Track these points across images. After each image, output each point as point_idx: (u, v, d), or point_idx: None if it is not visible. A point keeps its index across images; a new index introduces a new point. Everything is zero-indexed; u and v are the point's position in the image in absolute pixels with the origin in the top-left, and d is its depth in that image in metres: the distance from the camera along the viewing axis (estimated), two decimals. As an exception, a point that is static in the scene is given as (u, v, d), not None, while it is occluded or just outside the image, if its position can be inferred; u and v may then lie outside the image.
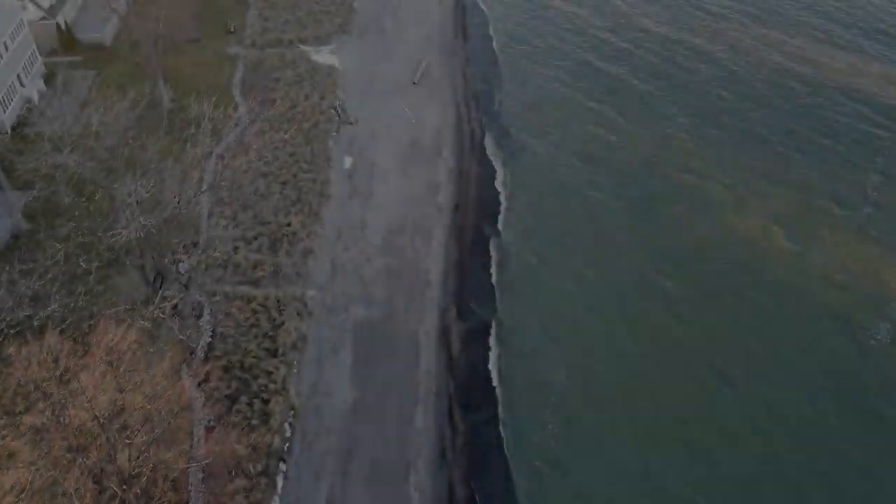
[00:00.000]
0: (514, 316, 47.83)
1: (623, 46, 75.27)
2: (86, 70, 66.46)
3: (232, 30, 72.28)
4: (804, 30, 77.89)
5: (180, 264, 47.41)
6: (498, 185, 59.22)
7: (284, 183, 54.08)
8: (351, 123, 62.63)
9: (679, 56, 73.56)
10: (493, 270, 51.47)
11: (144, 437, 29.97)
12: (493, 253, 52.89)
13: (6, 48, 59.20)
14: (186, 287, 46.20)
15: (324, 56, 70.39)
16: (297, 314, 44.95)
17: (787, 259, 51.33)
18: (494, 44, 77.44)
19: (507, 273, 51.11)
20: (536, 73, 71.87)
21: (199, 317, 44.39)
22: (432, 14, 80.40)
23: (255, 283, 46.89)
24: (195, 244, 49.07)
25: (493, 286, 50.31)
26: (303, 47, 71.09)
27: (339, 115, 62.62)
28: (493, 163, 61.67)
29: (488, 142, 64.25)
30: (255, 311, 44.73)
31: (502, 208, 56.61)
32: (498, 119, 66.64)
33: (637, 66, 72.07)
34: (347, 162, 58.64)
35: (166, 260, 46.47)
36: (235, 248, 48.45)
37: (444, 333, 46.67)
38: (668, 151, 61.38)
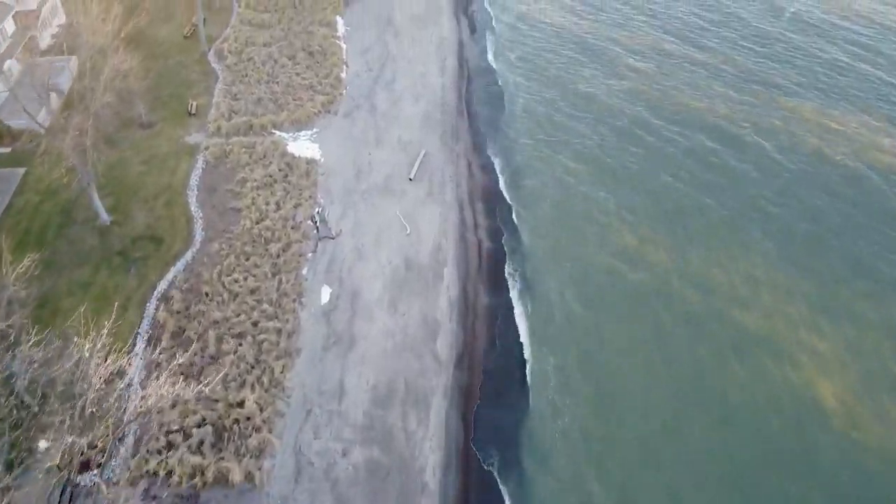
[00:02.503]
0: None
1: (656, 131, 63.71)
2: (13, 168, 55.03)
3: (193, 111, 60.84)
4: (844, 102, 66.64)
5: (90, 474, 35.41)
6: (518, 319, 47.50)
7: (240, 336, 42.19)
8: (332, 238, 50.95)
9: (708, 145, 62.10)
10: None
11: None
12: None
13: None
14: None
15: (302, 145, 58.81)
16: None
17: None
18: (508, 121, 66.00)
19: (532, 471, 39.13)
20: (557, 165, 60.22)
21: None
22: (433, 84, 69.05)
23: (192, 499, 34.90)
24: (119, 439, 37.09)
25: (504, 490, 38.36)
26: (278, 134, 59.56)
27: (317, 229, 50.94)
28: (509, 287, 49.95)
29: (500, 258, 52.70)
30: (186, 551, 32.80)
31: (528, 357, 44.77)
32: (510, 227, 54.96)
33: (674, 161, 60.61)
34: (325, 294, 46.82)
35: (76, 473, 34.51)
36: (169, 446, 36.45)
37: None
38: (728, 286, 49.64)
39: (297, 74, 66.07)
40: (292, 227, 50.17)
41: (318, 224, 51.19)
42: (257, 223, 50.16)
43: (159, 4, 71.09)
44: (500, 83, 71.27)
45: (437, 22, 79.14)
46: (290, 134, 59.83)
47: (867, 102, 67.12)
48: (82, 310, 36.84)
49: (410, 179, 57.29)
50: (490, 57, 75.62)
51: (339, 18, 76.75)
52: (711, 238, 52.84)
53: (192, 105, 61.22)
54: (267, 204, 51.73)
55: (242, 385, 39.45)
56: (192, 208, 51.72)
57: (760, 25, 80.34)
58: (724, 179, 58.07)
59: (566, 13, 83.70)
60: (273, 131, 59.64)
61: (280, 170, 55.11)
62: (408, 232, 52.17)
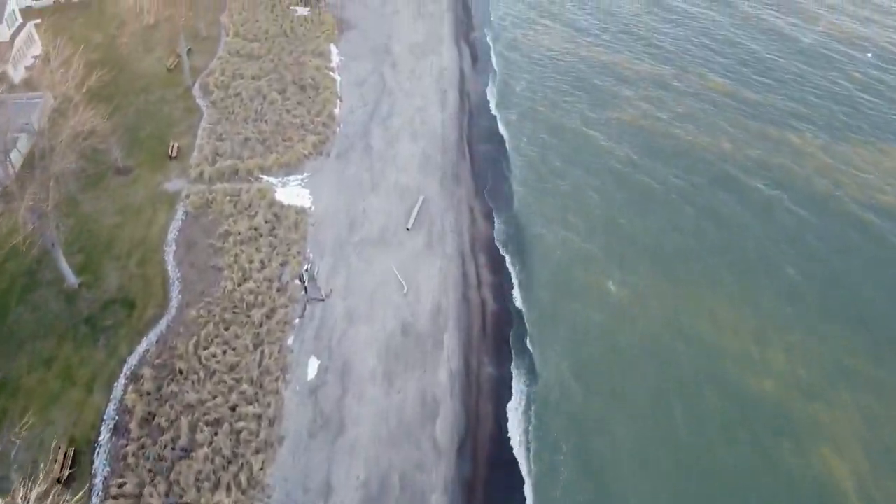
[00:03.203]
0: None
1: (664, 180, 59.31)
2: (-24, 220, 50.57)
3: (174, 154, 56.52)
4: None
5: None
6: (516, 395, 43.09)
7: (216, 423, 37.73)
8: (321, 300, 46.55)
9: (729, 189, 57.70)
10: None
11: None
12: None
13: None
14: None
15: (292, 191, 54.48)
16: None
17: None
18: (510, 163, 61.65)
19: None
20: (558, 212, 55.83)
21: None
22: (432, 120, 64.76)
23: None
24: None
25: None
26: (265, 179, 55.23)
27: (305, 290, 46.51)
28: (512, 357, 45.53)
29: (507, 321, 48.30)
30: None
31: (527, 452, 40.21)
32: (521, 282, 50.55)
33: (681, 210, 56.20)
34: (312, 368, 42.39)
35: None
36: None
37: None
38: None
39: (288, 111, 61.77)
40: (278, 290, 45.77)
41: (306, 284, 46.73)
42: (239, 285, 45.76)
43: (142, 33, 66.58)
44: (501, 119, 66.88)
45: (436, 51, 74.95)
46: (279, 179, 55.52)
47: (886, 141, 62.67)
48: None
49: (408, 229, 52.97)
50: (491, 90, 71.30)
51: (333, 47, 72.60)
52: (718, 293, 48.51)
53: (172, 147, 56.91)
54: (251, 262, 47.35)
55: (217, 485, 34.96)
56: (169, 267, 47.36)
57: (772, 57, 75.95)
58: (731, 227, 53.72)
59: (568, 42, 79.41)
60: (261, 176, 55.33)
61: (266, 221, 50.75)
62: (405, 291, 47.79)
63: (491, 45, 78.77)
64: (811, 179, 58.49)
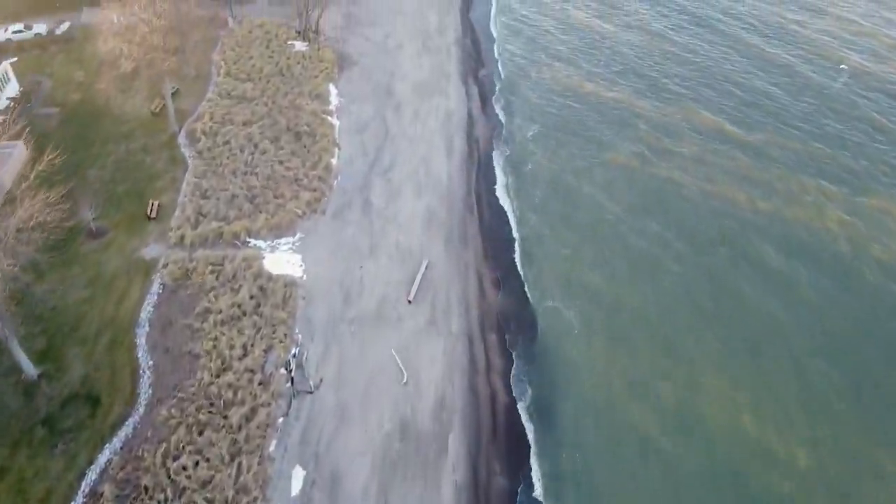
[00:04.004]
0: None
1: (672, 244, 54.08)
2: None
3: (153, 214, 51.45)
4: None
5: None
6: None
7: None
8: (310, 392, 41.31)
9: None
10: None
11: None
12: None
13: None
14: None
15: (281, 258, 49.32)
16: None
17: None
18: (522, 219, 56.43)
19: None
20: (579, 285, 50.55)
21: None
22: (438, 171, 59.65)
23: None
24: None
25: None
26: (253, 243, 50.10)
27: (291, 380, 41.23)
28: (531, 466, 40.16)
29: (521, 411, 42.98)
30: None
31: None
32: (528, 369, 45.25)
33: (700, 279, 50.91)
34: (296, 480, 37.12)
35: None
36: None
37: None
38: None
39: (281, 163, 56.65)
40: (260, 383, 40.53)
41: (292, 373, 41.45)
42: (218, 376, 40.55)
43: (124, 74, 61.55)
44: (514, 171, 61.63)
45: (443, 91, 69.83)
46: (268, 242, 50.39)
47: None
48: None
49: (409, 302, 47.76)
50: (499, 136, 66.07)
51: (332, 87, 67.56)
52: (732, 375, 43.39)
53: (152, 206, 51.85)
54: (232, 347, 42.14)
55: None
56: (140, 353, 42.19)
57: (793, 101, 70.62)
58: (745, 302, 48.68)
59: (578, 84, 74.19)
60: (248, 240, 50.18)
61: (252, 297, 45.55)
62: (404, 380, 42.54)
63: (498, 84, 73.46)
64: (833, 239, 53.65)
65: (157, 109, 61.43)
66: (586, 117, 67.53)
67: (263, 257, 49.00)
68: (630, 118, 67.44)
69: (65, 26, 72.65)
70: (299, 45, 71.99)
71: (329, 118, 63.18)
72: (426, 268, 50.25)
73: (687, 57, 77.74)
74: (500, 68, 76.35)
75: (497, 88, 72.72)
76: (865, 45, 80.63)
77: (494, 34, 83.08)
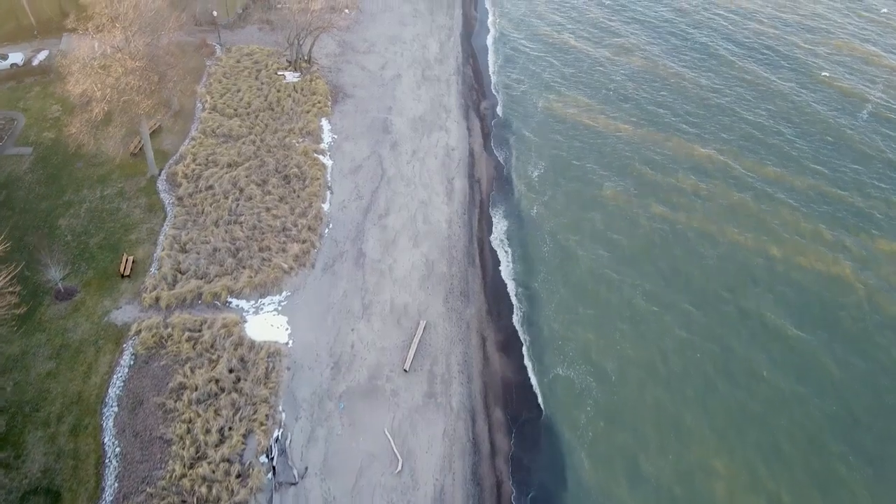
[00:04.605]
0: None
1: (693, 317, 49.94)
2: None
3: (127, 272, 47.25)
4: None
5: None
6: None
7: None
8: (293, 483, 37.07)
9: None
10: None
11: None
12: None
13: None
14: None
15: (265, 322, 45.13)
16: None
17: None
18: (530, 270, 52.24)
19: None
20: (599, 351, 46.36)
21: None
22: (437, 216, 55.51)
23: None
24: None
25: None
26: (234, 304, 45.93)
27: (273, 469, 37.04)
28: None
29: None
30: None
31: None
32: (539, 451, 41.01)
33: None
34: None
35: None
36: None
37: None
38: None
39: (268, 210, 52.53)
40: (238, 476, 36.28)
41: (275, 462, 37.28)
42: (191, 466, 36.37)
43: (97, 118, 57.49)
44: (517, 217, 57.49)
45: (443, 126, 65.72)
46: (251, 303, 46.22)
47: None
48: None
49: (406, 371, 43.57)
50: (504, 174, 62.01)
51: (325, 122, 63.44)
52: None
53: (126, 262, 47.67)
54: (207, 432, 37.95)
55: None
56: (107, 437, 38.01)
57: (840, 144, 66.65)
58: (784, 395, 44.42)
59: (596, 114, 70.16)
60: (229, 301, 45.99)
61: (231, 370, 41.35)
62: (398, 468, 38.29)
63: (500, 118, 69.31)
64: (847, 293, 49.92)
65: (137, 150, 57.29)
66: (589, 155, 63.47)
67: (245, 321, 44.85)
68: (633, 157, 63.43)
69: (43, 55, 68.57)
70: (290, 76, 67.89)
71: (321, 157, 59.04)
72: (424, 329, 46.13)
73: (689, 88, 73.87)
74: (500, 100, 72.25)
75: (499, 123, 68.58)
76: (888, 80, 76.62)
77: (495, 64, 78.89)
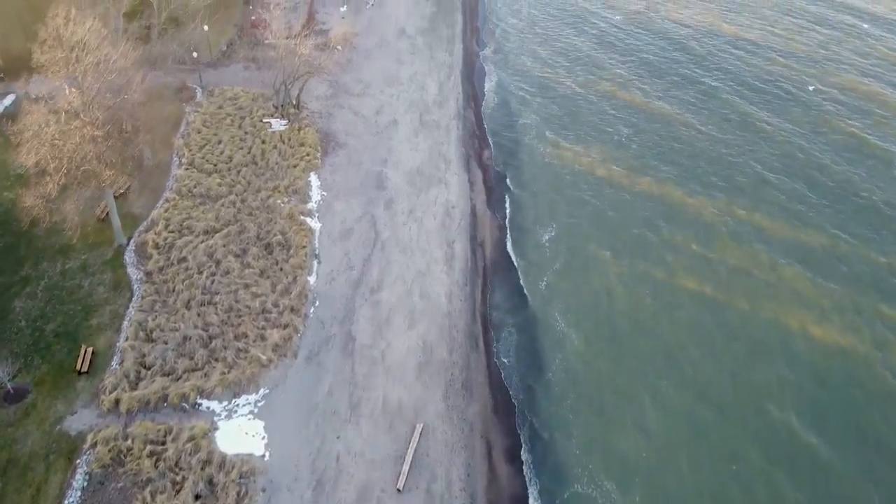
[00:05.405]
0: None
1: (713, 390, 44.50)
2: None
3: (85, 368, 41.77)
4: None
5: None
6: None
7: None
8: None
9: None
10: None
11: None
12: None
13: None
14: None
15: (239, 429, 39.69)
16: None
17: None
18: (542, 352, 46.84)
19: None
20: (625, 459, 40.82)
21: None
22: (436, 290, 50.20)
23: None
24: None
25: None
26: (204, 406, 40.50)
27: None
28: None
29: None
30: None
31: None
32: None
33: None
34: None
35: None
36: None
37: None
38: None
39: (246, 287, 47.12)
40: None
41: None
42: None
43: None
44: (524, 287, 52.08)
45: (442, 179, 60.37)
46: (224, 404, 40.79)
47: None
48: None
49: (399, 490, 38.02)
50: (510, 238, 56.62)
51: (313, 178, 58.11)
52: None
53: (84, 354, 42.23)
54: (166, 584, 32.33)
55: None
56: None
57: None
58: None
59: (609, 165, 64.79)
60: (199, 402, 40.49)
61: (198, 497, 35.79)
62: None
63: (505, 170, 63.88)
64: (869, 365, 44.67)
65: (104, 215, 51.86)
66: (603, 213, 58.15)
67: (216, 427, 39.44)
68: (648, 214, 58.36)
69: (8, 100, 63.29)
70: (277, 124, 62.54)
71: (308, 220, 53.71)
72: (420, 435, 40.61)
73: (702, 135, 68.71)
74: (504, 147, 66.77)
75: (505, 176, 63.10)
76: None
77: (496, 106, 73.31)
